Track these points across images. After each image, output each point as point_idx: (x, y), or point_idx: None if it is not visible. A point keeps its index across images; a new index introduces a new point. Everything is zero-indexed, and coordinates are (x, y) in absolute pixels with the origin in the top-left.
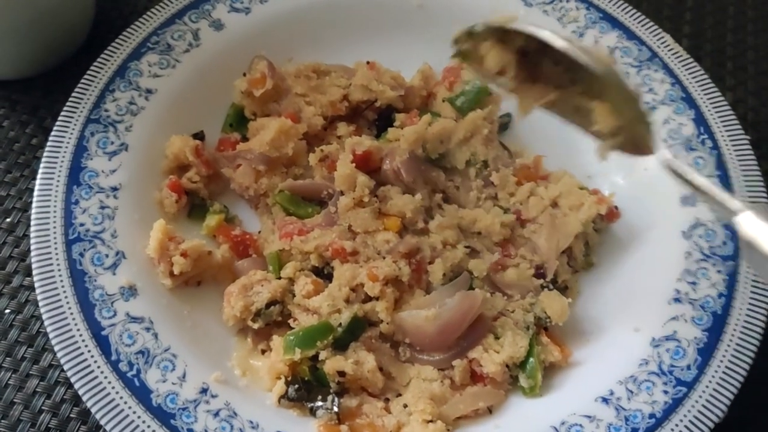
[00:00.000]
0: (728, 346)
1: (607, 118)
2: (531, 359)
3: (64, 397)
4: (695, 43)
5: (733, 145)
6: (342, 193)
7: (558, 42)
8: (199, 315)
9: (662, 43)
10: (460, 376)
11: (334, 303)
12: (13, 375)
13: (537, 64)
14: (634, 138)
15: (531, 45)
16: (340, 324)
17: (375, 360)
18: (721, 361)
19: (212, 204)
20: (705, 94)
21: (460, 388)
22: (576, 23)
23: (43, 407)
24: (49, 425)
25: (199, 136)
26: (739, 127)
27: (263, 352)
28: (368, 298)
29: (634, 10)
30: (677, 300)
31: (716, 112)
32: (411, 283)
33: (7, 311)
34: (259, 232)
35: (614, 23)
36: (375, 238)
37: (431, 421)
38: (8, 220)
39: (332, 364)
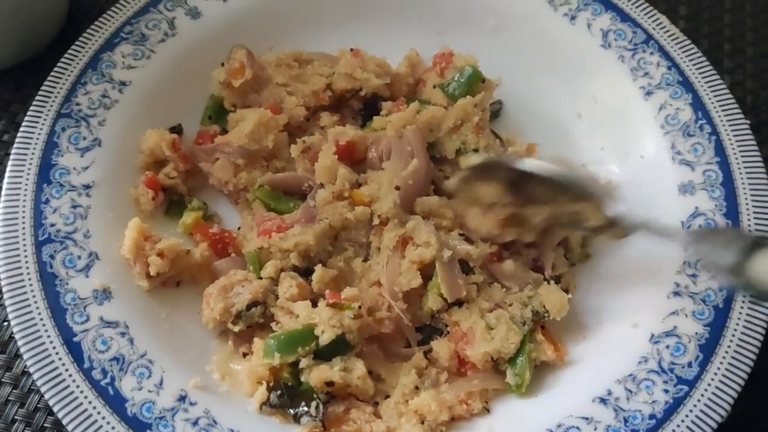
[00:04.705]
0: (731, 341)
1: (595, 213)
2: (521, 357)
3: (32, 387)
4: (692, 25)
5: (733, 131)
6: (322, 186)
7: (538, 167)
8: (178, 318)
9: (658, 24)
10: (449, 358)
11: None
12: None
13: (527, 190)
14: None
15: (512, 175)
16: (322, 332)
17: (364, 365)
18: (724, 358)
19: (191, 201)
20: (703, 78)
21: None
22: (568, 5)
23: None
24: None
25: (176, 129)
26: (739, 111)
27: (245, 355)
28: None
29: None
30: (677, 294)
31: (714, 96)
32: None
33: None
34: (239, 229)
35: (607, 4)
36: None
37: (423, 422)
38: None
39: (319, 374)
